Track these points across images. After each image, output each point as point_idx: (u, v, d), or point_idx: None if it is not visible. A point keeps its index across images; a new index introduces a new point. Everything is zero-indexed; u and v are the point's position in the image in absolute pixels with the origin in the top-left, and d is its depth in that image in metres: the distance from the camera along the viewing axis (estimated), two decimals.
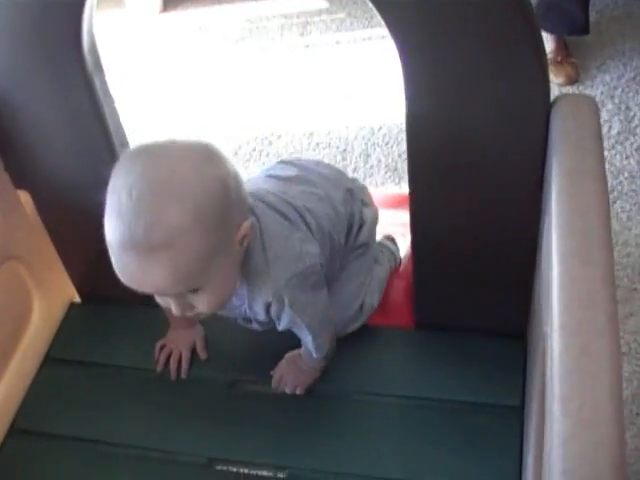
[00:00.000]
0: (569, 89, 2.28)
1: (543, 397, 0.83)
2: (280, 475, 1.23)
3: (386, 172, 2.11)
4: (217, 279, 0.99)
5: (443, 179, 1.14)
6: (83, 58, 1.11)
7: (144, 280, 0.94)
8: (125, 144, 1.27)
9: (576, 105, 1.01)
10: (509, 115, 1.03)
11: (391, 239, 1.47)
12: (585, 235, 0.83)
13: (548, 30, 2.29)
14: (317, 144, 2.23)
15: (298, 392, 1.30)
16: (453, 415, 1.26)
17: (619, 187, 1.98)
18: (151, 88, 2.52)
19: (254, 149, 2.25)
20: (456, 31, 0.96)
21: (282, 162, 1.33)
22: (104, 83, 1.18)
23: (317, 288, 1.16)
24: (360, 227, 1.31)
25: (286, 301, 1.10)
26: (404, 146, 1.12)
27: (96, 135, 1.21)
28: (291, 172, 1.26)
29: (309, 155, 2.19)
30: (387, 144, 2.18)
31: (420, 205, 1.19)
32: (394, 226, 1.46)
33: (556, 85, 2.28)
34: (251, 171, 2.15)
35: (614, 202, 1.92)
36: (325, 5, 2.69)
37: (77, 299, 1.50)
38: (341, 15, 2.62)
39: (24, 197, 1.33)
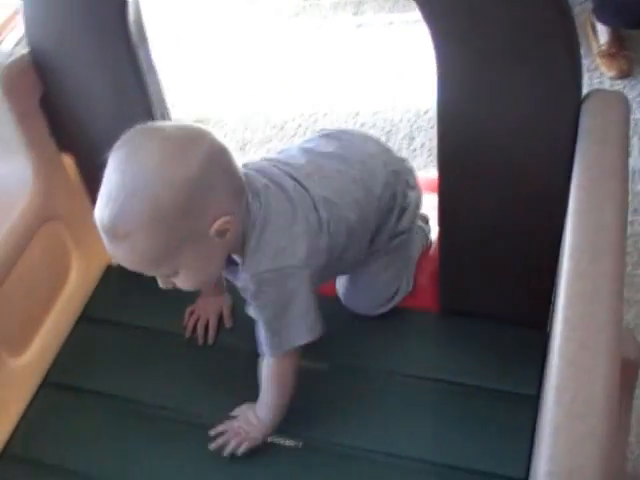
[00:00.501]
0: (621, 83, 2.26)
1: None
2: (295, 444, 1.26)
3: (429, 156, 2.13)
4: (192, 265, 1.06)
5: (472, 164, 1.16)
6: (128, 29, 1.16)
7: (118, 260, 1.06)
8: (166, 115, 1.31)
9: (606, 101, 1.03)
10: (539, 106, 1.04)
11: (425, 220, 1.47)
12: (597, 231, 0.85)
13: (604, 22, 2.27)
14: (362, 124, 2.25)
15: (241, 450, 1.24)
16: (468, 399, 1.28)
17: None
18: (202, 61, 2.56)
19: (299, 125, 2.28)
20: (488, 18, 0.98)
21: (326, 135, 1.31)
22: (148, 54, 1.22)
23: (292, 295, 1.13)
24: (403, 211, 1.30)
25: (252, 290, 1.13)
26: None
27: (138, 105, 1.25)
28: (331, 147, 1.26)
29: None
30: (432, 128, 2.19)
31: (448, 190, 1.21)
32: (433, 210, 1.48)
33: (608, 78, 2.26)
34: None
35: None
36: None
37: (114, 263, 1.55)
38: None
39: (67, 161, 1.39)
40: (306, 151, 1.26)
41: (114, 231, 1.00)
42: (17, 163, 1.33)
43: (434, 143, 2.11)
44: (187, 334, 1.41)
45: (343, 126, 2.25)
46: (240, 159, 2.12)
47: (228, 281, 1.30)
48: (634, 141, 2.03)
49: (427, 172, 2.07)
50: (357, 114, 2.29)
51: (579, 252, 0.83)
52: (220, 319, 1.41)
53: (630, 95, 2.15)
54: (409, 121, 2.23)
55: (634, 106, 2.12)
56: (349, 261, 1.27)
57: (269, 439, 1.26)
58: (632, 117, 1.83)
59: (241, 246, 1.11)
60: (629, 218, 1.80)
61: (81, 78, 1.24)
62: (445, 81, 1.06)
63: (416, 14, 1.02)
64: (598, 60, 2.27)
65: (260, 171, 1.17)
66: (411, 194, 1.32)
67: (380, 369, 1.33)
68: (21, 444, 1.32)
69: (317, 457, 1.24)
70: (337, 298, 1.39)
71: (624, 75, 2.27)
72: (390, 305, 1.37)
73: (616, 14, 2.25)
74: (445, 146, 1.15)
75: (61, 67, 1.24)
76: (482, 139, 1.11)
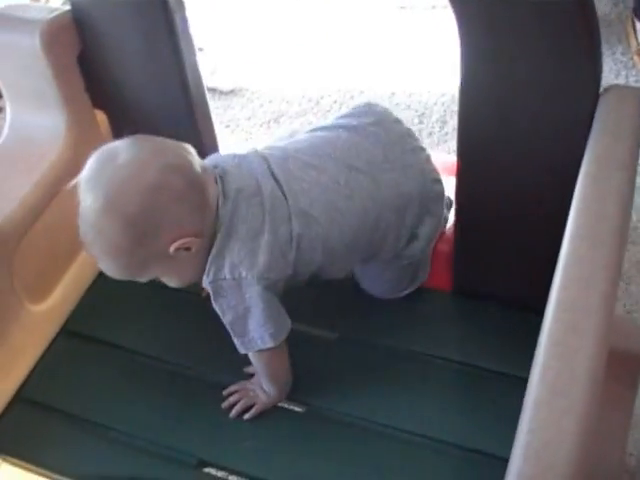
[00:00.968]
0: None
1: None
2: (298, 409, 1.30)
3: None
4: (169, 273, 1.15)
5: (490, 149, 1.17)
6: None
7: None
8: (199, 82, 1.34)
9: (623, 96, 1.04)
10: (558, 97, 1.06)
11: (449, 205, 1.43)
12: (599, 220, 0.87)
13: None
14: (397, 104, 2.26)
15: (247, 416, 1.27)
16: (473, 379, 1.30)
17: None
18: (243, 31, 2.58)
19: (335, 101, 2.30)
20: (512, 6, 1.00)
21: (365, 125, 1.25)
22: (184, 20, 1.25)
23: (250, 304, 1.15)
24: (413, 238, 1.28)
25: (212, 294, 1.16)
26: None
27: (170, 69, 1.28)
28: (351, 147, 1.21)
29: None
30: None
31: (466, 173, 1.23)
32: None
33: None
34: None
35: None
36: None
37: None
38: None
39: (100, 117, 1.43)
40: (318, 144, 1.23)
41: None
42: (51, 115, 1.36)
43: None
44: (204, 293, 1.45)
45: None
46: (274, 131, 2.16)
47: None
48: None
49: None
50: (393, 94, 2.30)
51: (579, 238, 0.85)
52: None
53: None
54: (443, 105, 2.24)
55: None
56: (335, 273, 1.27)
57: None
58: None
59: (209, 248, 1.14)
60: None
61: (118, 39, 1.28)
62: (468, 66, 1.08)
63: None
64: (635, 58, 2.26)
65: (243, 168, 1.17)
66: (428, 221, 1.28)
67: (388, 344, 1.36)
68: (35, 388, 1.37)
69: (318, 423, 1.28)
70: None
71: None
72: (404, 292, 1.39)
73: None
74: (465, 130, 1.17)
75: (99, 26, 1.28)
76: (501, 123, 1.13)
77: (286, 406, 1.30)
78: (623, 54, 2.22)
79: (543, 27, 1.00)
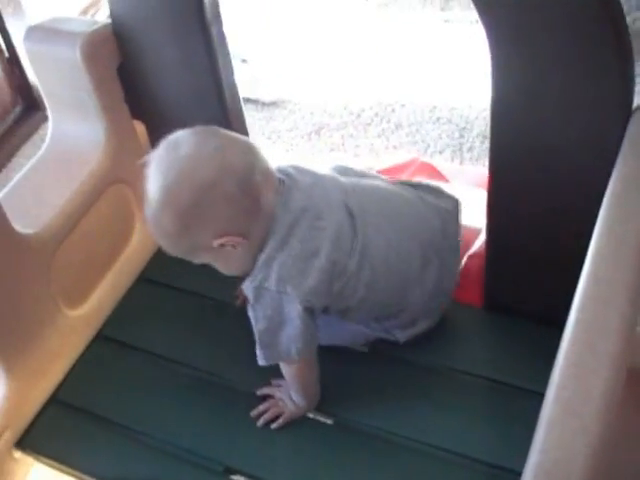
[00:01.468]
0: None
1: None
2: (325, 420, 1.31)
3: None
4: (218, 262, 1.16)
5: (522, 165, 1.17)
6: (203, 6, 1.21)
7: None
8: (235, 95, 1.36)
9: None
10: (588, 114, 1.06)
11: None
12: (621, 240, 0.86)
13: None
14: (438, 118, 2.27)
15: (274, 425, 1.29)
16: (500, 396, 1.30)
17: None
18: (287, 42, 2.60)
19: (376, 114, 2.31)
20: (544, 22, 1.00)
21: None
22: (221, 33, 1.28)
23: (286, 318, 1.16)
24: None
25: (251, 299, 1.16)
26: None
27: (207, 80, 1.31)
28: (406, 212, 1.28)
29: (428, 129, 2.23)
30: None
31: (498, 188, 1.23)
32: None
33: None
34: (370, 135, 2.22)
35: None
36: None
37: None
38: None
39: (139, 128, 1.46)
40: (393, 202, 1.27)
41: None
42: (91, 125, 1.40)
43: None
44: (238, 302, 1.47)
45: (419, 118, 2.27)
46: (315, 142, 2.18)
47: None
48: None
49: None
50: (434, 108, 2.30)
51: (600, 259, 0.85)
52: None
53: None
54: (485, 119, 2.23)
55: None
56: (355, 318, 1.29)
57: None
58: None
59: (259, 250, 1.15)
60: None
61: (156, 51, 1.31)
62: (499, 81, 1.09)
63: None
64: None
65: (317, 189, 1.18)
66: (426, 323, 1.33)
67: (417, 359, 1.36)
68: (70, 391, 1.41)
69: (345, 435, 1.28)
70: None
71: None
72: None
73: None
74: (497, 145, 1.18)
75: (138, 39, 1.31)
76: (532, 139, 1.13)
77: (314, 417, 1.31)
78: None
79: (574, 44, 1.00)
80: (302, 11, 2.74)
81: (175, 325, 1.48)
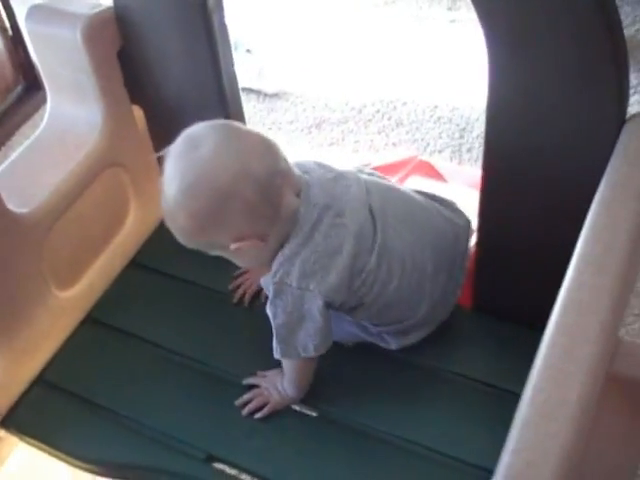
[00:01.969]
0: None
1: None
2: (310, 413, 1.31)
3: None
4: (234, 257, 1.16)
5: (515, 167, 1.17)
6: None
7: None
8: (234, 85, 1.37)
9: None
10: (582, 119, 1.06)
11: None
12: (607, 246, 0.87)
13: None
14: (439, 118, 2.27)
15: (259, 415, 1.29)
16: (485, 397, 1.30)
17: None
18: (291, 35, 2.60)
19: (378, 110, 2.31)
20: (542, 27, 1.00)
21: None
22: (222, 22, 1.28)
23: (306, 314, 1.16)
24: None
25: (271, 294, 1.16)
26: None
27: (207, 69, 1.31)
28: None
29: (428, 128, 2.24)
30: None
31: (490, 190, 1.23)
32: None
33: None
34: (370, 131, 2.23)
35: None
36: None
37: None
38: None
39: (137, 112, 1.46)
40: (412, 210, 1.27)
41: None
42: (90, 108, 1.40)
43: None
44: (235, 299, 1.47)
45: (420, 117, 2.27)
46: (315, 136, 2.18)
47: None
48: None
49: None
50: (435, 107, 2.30)
51: (584, 264, 0.86)
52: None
53: None
54: (485, 122, 2.23)
55: None
56: (363, 317, 1.29)
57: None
58: None
59: (279, 249, 1.14)
60: None
61: (157, 37, 1.31)
62: (495, 82, 1.09)
63: None
64: None
65: (338, 186, 1.18)
66: (419, 334, 1.33)
67: (404, 357, 1.36)
68: (56, 372, 1.41)
69: (329, 428, 1.29)
70: None
71: None
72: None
73: None
74: (491, 146, 1.18)
75: (140, 24, 1.31)
76: (526, 142, 1.13)
77: (299, 409, 1.32)
78: None
79: (572, 50, 1.00)
80: (309, 4, 2.73)
81: (165, 311, 1.48)
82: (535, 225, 1.23)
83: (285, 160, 1.11)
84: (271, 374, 1.31)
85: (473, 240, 1.43)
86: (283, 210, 1.11)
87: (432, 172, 1.86)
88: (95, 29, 1.32)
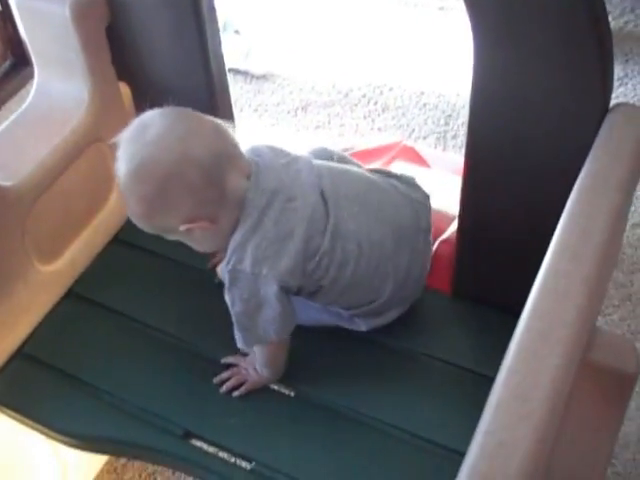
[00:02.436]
0: None
1: None
2: (288, 392, 1.33)
3: None
4: (190, 241, 1.18)
5: (497, 155, 1.19)
6: None
7: None
8: (221, 65, 1.37)
9: (630, 116, 1.05)
10: (565, 108, 1.07)
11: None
12: (583, 234, 0.88)
13: None
14: (424, 104, 2.28)
15: (236, 393, 1.30)
16: (461, 380, 1.32)
17: None
18: (279, 17, 2.60)
19: (364, 95, 2.32)
20: (528, 17, 1.01)
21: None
22: (211, 3, 1.28)
23: (263, 300, 1.16)
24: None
25: (227, 281, 1.17)
26: None
27: (194, 49, 1.32)
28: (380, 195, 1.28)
29: (414, 114, 2.25)
30: None
31: (472, 176, 1.25)
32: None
33: None
34: (356, 115, 2.24)
35: None
36: None
37: None
38: None
39: (124, 89, 1.46)
40: (366, 189, 1.27)
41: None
42: (76, 83, 1.40)
43: None
44: (216, 280, 1.47)
45: (406, 102, 2.28)
46: (301, 119, 2.19)
47: None
48: None
49: None
50: (422, 93, 2.32)
51: (561, 251, 0.87)
52: None
53: None
54: (468, 109, 2.24)
55: None
56: (327, 300, 1.29)
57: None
58: None
59: (231, 233, 1.16)
60: None
61: (145, 15, 1.31)
62: (480, 69, 1.10)
63: None
64: None
65: (290, 171, 1.19)
66: (393, 314, 1.33)
67: (383, 340, 1.37)
68: (36, 345, 1.41)
69: (305, 408, 1.30)
70: None
71: None
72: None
73: None
74: (474, 135, 1.19)
75: (129, 2, 1.31)
76: (509, 130, 1.14)
77: (276, 388, 1.33)
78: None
79: (557, 38, 1.01)
80: None
81: (147, 288, 1.49)
82: (516, 213, 1.25)
83: (234, 145, 1.14)
84: (252, 353, 1.32)
85: (454, 226, 1.45)
86: (230, 193, 1.12)
87: (416, 158, 1.87)
88: (84, 5, 1.32)
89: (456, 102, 2.28)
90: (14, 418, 1.34)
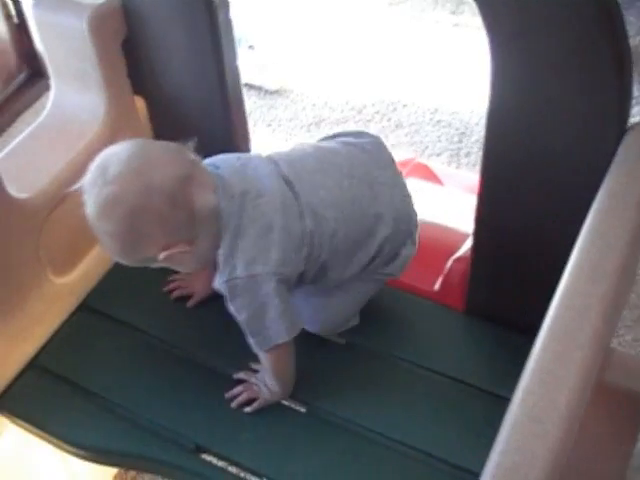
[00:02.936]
0: None
1: None
2: (299, 408, 1.32)
3: None
4: (169, 265, 1.19)
5: (513, 171, 1.19)
6: None
7: None
8: (236, 80, 1.38)
9: None
10: (582, 126, 1.07)
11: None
12: (602, 254, 0.88)
13: None
14: (438, 121, 2.28)
15: (248, 409, 1.30)
16: (471, 400, 1.31)
17: None
18: (295, 32, 2.61)
19: (377, 111, 2.32)
20: (546, 34, 1.01)
21: (354, 143, 1.30)
22: (227, 18, 1.29)
23: (266, 299, 1.16)
24: (394, 257, 1.30)
25: (226, 294, 1.18)
26: None
27: (210, 64, 1.32)
28: (346, 157, 1.27)
29: (428, 131, 2.25)
30: None
31: (488, 194, 1.25)
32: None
33: None
34: (369, 131, 2.23)
35: None
36: None
37: None
38: None
39: (139, 103, 1.47)
40: (322, 152, 1.28)
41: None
42: (92, 97, 1.41)
43: None
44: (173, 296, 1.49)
45: (420, 119, 2.29)
46: (314, 134, 2.19)
47: None
48: None
49: None
50: (436, 110, 2.32)
51: (578, 270, 0.87)
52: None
53: None
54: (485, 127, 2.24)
55: None
56: (336, 273, 1.27)
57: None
58: None
59: (215, 250, 1.17)
60: None
61: (161, 30, 1.32)
62: (497, 86, 1.10)
63: None
64: None
65: (248, 170, 1.20)
66: (410, 245, 1.31)
67: (394, 355, 1.38)
68: (49, 357, 1.41)
69: (316, 424, 1.30)
70: None
71: None
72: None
73: None
74: (490, 151, 1.19)
75: (146, 16, 1.32)
76: (526, 148, 1.14)
77: (288, 404, 1.33)
78: None
79: (575, 56, 1.01)
80: (314, 2, 2.74)
81: (159, 302, 1.49)
82: (531, 231, 1.24)
83: (194, 163, 1.14)
84: (262, 369, 1.32)
85: (467, 244, 1.45)
86: (199, 211, 1.13)
87: (429, 175, 1.87)
88: (101, 19, 1.33)
89: (470, 119, 2.27)
90: (25, 429, 1.34)
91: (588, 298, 0.85)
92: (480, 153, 2.13)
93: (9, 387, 1.37)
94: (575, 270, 0.88)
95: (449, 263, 1.47)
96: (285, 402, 1.32)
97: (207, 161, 1.21)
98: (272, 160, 1.23)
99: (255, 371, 1.33)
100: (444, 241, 1.54)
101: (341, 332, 1.39)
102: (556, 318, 0.84)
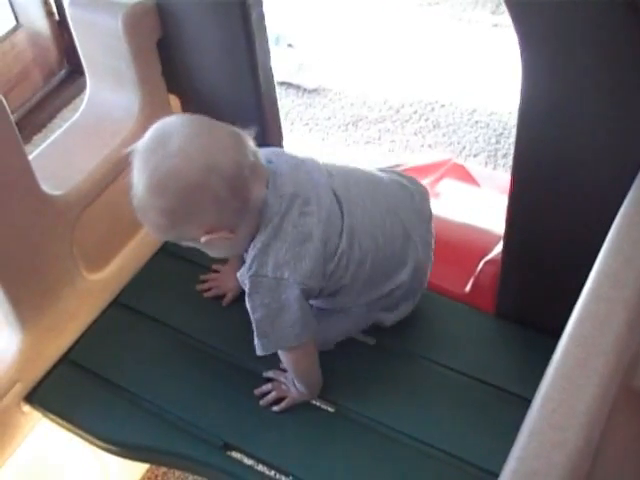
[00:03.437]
0: None
1: None
2: (327, 408, 1.32)
3: None
4: (203, 249, 1.18)
5: (544, 175, 1.18)
6: None
7: None
8: (269, 77, 1.38)
9: None
10: (613, 133, 1.06)
11: None
12: (627, 260, 0.86)
13: None
14: (476, 122, 2.27)
15: (276, 408, 1.30)
16: (504, 405, 1.30)
17: None
18: (335, 32, 2.61)
19: (415, 111, 2.31)
20: (579, 41, 1.00)
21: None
22: (261, 17, 1.29)
23: (284, 304, 1.16)
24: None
25: (248, 288, 1.17)
26: None
27: (243, 63, 1.33)
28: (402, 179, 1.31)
29: (465, 131, 2.23)
30: None
31: (519, 197, 1.24)
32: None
33: None
34: (406, 131, 2.23)
35: None
36: None
37: None
38: None
39: (174, 102, 1.48)
40: (373, 183, 1.28)
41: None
42: (127, 95, 1.42)
43: None
44: (208, 295, 1.50)
45: (457, 120, 2.27)
46: (351, 133, 2.19)
47: None
48: None
49: None
50: (474, 111, 2.30)
51: (603, 276, 0.85)
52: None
53: None
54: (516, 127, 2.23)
55: None
56: (351, 298, 1.29)
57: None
58: None
59: (251, 240, 1.16)
60: None
61: (196, 29, 1.33)
62: (528, 89, 1.09)
63: None
64: None
65: (301, 173, 1.19)
66: (408, 306, 1.35)
67: (423, 357, 1.37)
68: (82, 352, 1.44)
69: (345, 425, 1.30)
70: None
71: None
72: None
73: None
74: (521, 154, 1.18)
75: (180, 15, 1.33)
76: (558, 150, 1.13)
77: (317, 404, 1.33)
78: None
79: (607, 61, 1.00)
80: (353, 1, 2.74)
81: (191, 299, 1.50)
82: (561, 234, 1.23)
83: (254, 153, 1.12)
84: (287, 374, 1.33)
85: (499, 247, 1.44)
86: (252, 202, 1.12)
87: (465, 176, 1.86)
88: (136, 18, 1.34)
89: (508, 120, 2.26)
90: (56, 423, 1.36)
91: (611, 304, 0.84)
92: None
93: (41, 381, 1.39)
94: (598, 275, 0.87)
95: (480, 265, 1.46)
96: (314, 401, 1.33)
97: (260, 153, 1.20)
98: (326, 171, 1.23)
99: (284, 370, 1.33)
100: (476, 243, 1.53)
101: (371, 332, 1.38)
102: (578, 323, 0.83)
